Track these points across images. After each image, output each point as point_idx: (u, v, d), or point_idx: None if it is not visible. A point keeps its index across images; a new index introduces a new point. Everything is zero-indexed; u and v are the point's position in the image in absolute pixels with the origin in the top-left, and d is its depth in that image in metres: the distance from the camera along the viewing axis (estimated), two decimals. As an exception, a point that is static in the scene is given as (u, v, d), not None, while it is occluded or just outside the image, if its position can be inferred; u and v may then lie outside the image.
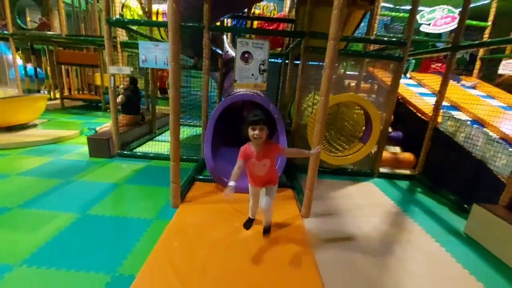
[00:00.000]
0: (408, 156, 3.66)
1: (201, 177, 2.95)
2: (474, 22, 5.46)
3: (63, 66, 7.93)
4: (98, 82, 7.38)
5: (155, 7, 5.91)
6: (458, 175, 2.95)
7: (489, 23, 5.22)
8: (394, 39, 4.23)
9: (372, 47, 4.46)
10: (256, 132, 1.59)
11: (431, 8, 5.04)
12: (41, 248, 1.76)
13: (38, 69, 8.45)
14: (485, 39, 5.25)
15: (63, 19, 6.05)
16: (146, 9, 4.91)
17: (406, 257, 1.95)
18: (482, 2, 5.45)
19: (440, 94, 3.18)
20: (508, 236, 1.98)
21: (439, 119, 3.25)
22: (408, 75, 5.48)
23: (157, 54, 3.35)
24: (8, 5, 5.70)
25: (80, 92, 8.83)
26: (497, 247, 2.06)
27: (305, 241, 1.99)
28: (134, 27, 4.05)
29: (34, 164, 3.16)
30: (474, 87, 4.97)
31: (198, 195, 2.62)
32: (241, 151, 1.71)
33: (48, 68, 8.52)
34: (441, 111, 3.27)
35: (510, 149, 2.35)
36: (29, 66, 8.64)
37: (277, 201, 2.07)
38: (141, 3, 4.90)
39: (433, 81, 4.52)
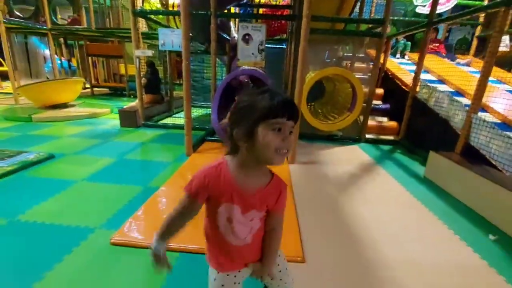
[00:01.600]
0: (392, 123, 4.10)
1: (210, 138, 3.59)
2: (470, 2, 5.64)
3: (90, 59, 8.86)
4: (123, 71, 8.25)
5: (171, 1, 6.57)
6: (431, 135, 3.38)
7: (485, 2, 5.39)
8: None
9: (366, 27, 4.85)
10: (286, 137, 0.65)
11: (427, -10, 5.29)
12: (93, 173, 2.47)
13: (70, 63, 9.46)
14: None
15: (92, 15, 6.90)
16: (164, 2, 5.56)
17: (366, 189, 2.48)
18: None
19: (418, 65, 3.58)
20: (457, 175, 2.42)
21: (418, 89, 3.66)
22: (404, 55, 5.76)
23: (173, 38, 4.01)
24: (46, 3, 6.57)
25: (107, 81, 9.77)
26: (448, 184, 2.51)
27: (286, 178, 2.57)
28: (154, 17, 4.71)
29: (78, 131, 3.95)
30: (468, 65, 5.20)
31: (207, 149, 3.28)
32: (198, 177, 0.71)
33: (79, 61, 9.53)
34: (420, 81, 3.66)
35: (466, 108, 2.76)
36: (63, 59, 9.66)
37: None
38: (159, -3, 5.57)
39: (427, 60, 4.84)
